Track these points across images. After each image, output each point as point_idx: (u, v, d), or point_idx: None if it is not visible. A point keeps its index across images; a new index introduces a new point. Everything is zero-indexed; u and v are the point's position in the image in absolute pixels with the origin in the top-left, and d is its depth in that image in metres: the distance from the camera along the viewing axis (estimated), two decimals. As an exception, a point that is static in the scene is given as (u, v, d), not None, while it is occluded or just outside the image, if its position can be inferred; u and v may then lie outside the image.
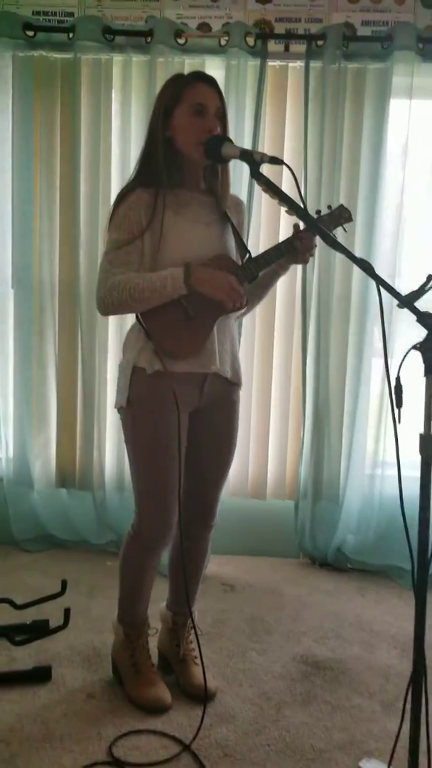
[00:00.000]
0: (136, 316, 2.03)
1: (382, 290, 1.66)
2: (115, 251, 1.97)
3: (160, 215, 1.97)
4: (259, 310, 3.21)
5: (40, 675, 2.31)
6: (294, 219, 1.91)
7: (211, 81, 2.02)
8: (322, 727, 2.11)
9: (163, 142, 2.00)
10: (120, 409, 2.10)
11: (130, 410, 2.06)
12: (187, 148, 2.00)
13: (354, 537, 3.27)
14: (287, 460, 3.34)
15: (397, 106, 3.08)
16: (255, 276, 2.06)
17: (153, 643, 2.33)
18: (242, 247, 2.10)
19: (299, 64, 3.10)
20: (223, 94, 2.06)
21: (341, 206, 2.15)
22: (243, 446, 3.31)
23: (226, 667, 2.42)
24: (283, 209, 1.84)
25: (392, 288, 1.64)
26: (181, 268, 1.92)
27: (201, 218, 2.05)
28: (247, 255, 2.07)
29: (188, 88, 2.00)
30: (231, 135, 3.00)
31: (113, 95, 3.14)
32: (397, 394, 1.60)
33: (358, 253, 3.12)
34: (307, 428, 3.24)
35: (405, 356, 1.58)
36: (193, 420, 2.12)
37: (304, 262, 2.12)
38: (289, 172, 1.84)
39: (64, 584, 2.63)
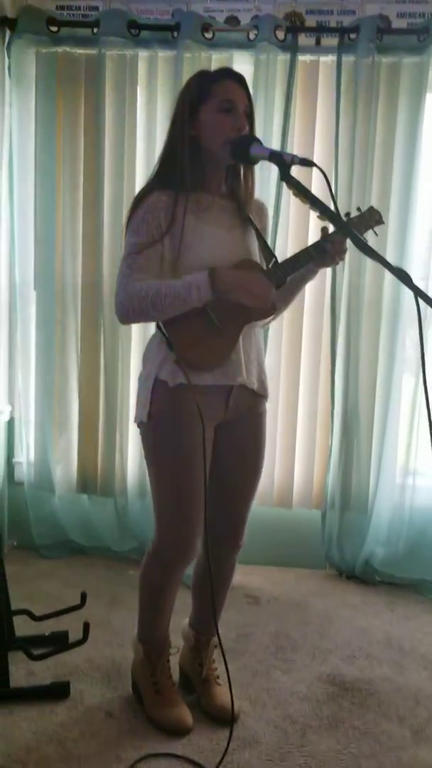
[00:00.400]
0: (157, 325, 1.94)
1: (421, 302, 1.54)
2: (134, 256, 1.88)
3: (180, 219, 1.87)
4: (286, 313, 3.11)
5: (58, 691, 2.25)
6: (323, 222, 1.81)
7: (240, 79, 1.92)
8: (349, 754, 2.02)
9: (187, 141, 1.90)
10: (140, 423, 2.01)
11: (151, 425, 1.97)
12: (213, 148, 1.89)
13: (383, 549, 3.16)
14: (314, 469, 3.24)
15: (433, 101, 2.96)
16: (283, 281, 1.95)
17: (174, 660, 2.25)
18: (267, 252, 2.00)
19: (331, 58, 2.99)
20: (251, 91, 1.96)
21: (371, 208, 2.04)
22: (269, 453, 3.18)
23: (249, 686, 2.34)
24: (314, 213, 1.74)
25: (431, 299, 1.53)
26: (205, 273, 1.82)
27: (222, 222, 1.95)
28: (274, 260, 1.97)
29: (216, 84, 1.89)
30: (259, 132, 2.92)
31: (138, 92, 3.05)
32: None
33: (390, 253, 3.03)
34: (335, 436, 3.14)
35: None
36: (218, 434, 2.03)
37: (335, 264, 2.02)
38: (319, 173, 1.74)
39: (83, 596, 2.57)
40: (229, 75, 1.92)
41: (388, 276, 3.04)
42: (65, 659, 2.40)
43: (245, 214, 2.01)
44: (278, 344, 3.15)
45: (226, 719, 2.08)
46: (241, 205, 2.00)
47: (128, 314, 1.88)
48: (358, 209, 2.02)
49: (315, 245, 1.96)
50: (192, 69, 2.92)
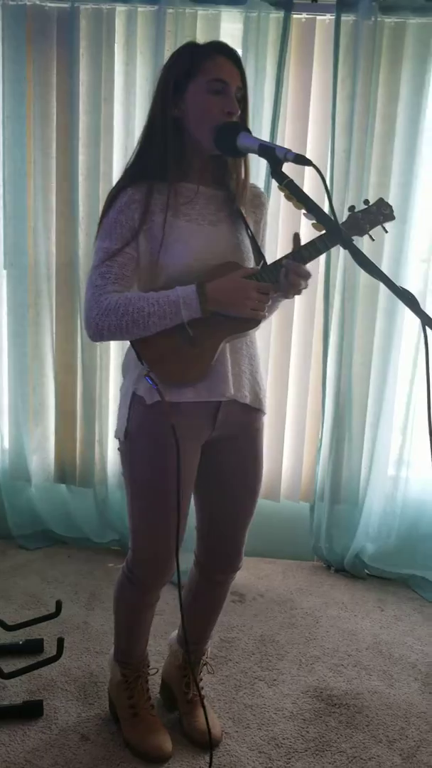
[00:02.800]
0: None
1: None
2: (107, 264, 1.65)
3: (159, 217, 1.65)
4: (276, 299, 2.92)
5: (31, 711, 2.13)
6: (319, 230, 1.59)
7: (235, 56, 1.67)
8: (337, 785, 1.93)
9: (171, 123, 1.65)
10: (119, 440, 1.84)
11: (128, 443, 1.80)
12: (197, 133, 1.66)
13: (373, 543, 3.04)
14: (303, 460, 3.08)
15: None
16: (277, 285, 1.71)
17: (153, 679, 2.14)
18: (257, 253, 1.77)
19: (329, 17, 2.70)
20: (240, 52, 1.71)
21: (381, 200, 1.78)
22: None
23: (233, 702, 2.23)
24: (309, 221, 1.53)
25: (440, 329, 1.34)
26: (192, 288, 1.61)
27: (206, 216, 1.72)
28: (262, 262, 1.75)
29: (207, 59, 1.64)
30: (250, 100, 2.68)
31: (116, 52, 2.76)
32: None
33: (390, 234, 2.77)
34: (326, 426, 2.98)
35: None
36: (210, 453, 1.85)
37: (295, 294, 1.72)
38: (314, 158, 1.50)
39: (58, 605, 2.45)
40: (222, 50, 1.66)
41: (386, 258, 2.84)
42: (39, 671, 2.28)
43: (235, 205, 1.77)
44: (267, 332, 2.95)
45: (206, 745, 1.98)
46: (231, 194, 1.77)
47: (102, 333, 1.65)
48: (366, 202, 1.75)
49: (307, 245, 1.69)
50: (175, 26, 2.66)
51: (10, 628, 2.39)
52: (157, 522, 1.82)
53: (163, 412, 1.68)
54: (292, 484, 3.11)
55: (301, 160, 1.51)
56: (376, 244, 2.80)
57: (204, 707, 1.91)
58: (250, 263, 1.76)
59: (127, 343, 1.78)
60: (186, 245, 1.68)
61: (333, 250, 2.76)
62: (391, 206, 1.78)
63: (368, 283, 2.84)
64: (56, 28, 2.78)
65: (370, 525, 3.03)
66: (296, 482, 3.10)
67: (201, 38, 2.66)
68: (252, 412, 1.86)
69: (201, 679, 2.13)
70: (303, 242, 1.70)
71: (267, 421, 3.00)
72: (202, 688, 2.12)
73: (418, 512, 3.00)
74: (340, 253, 2.81)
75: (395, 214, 2.76)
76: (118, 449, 1.87)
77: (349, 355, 2.90)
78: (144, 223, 1.66)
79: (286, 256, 1.69)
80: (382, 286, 2.84)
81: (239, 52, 2.65)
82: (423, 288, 2.86)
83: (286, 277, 1.66)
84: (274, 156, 1.54)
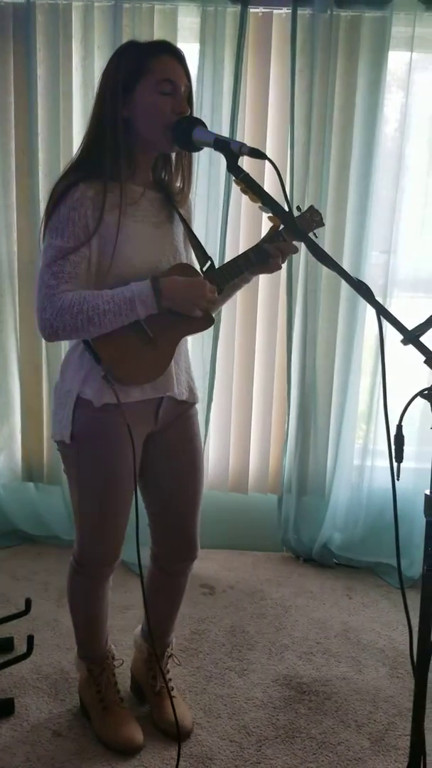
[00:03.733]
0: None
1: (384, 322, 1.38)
2: (60, 262, 1.63)
3: (112, 218, 1.65)
4: (240, 293, 2.92)
5: (1, 709, 2.13)
6: (276, 222, 1.62)
7: (180, 56, 1.68)
8: (306, 770, 1.96)
9: (121, 124, 1.65)
10: (60, 442, 1.83)
11: (74, 447, 1.80)
12: (148, 133, 1.67)
13: (341, 533, 3.08)
14: (270, 452, 3.11)
15: (396, 59, 2.73)
16: (221, 290, 1.76)
17: (123, 668, 2.18)
18: (201, 252, 1.79)
19: (285, 11, 2.72)
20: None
21: (312, 208, 1.83)
22: (223, 437, 3.09)
23: (203, 692, 2.25)
24: (264, 214, 1.55)
25: (395, 319, 1.37)
26: (147, 284, 1.63)
27: (150, 218, 1.74)
28: (209, 263, 1.78)
29: (153, 59, 1.64)
30: (207, 94, 2.70)
31: (73, 47, 2.74)
32: (397, 447, 1.36)
33: (350, 225, 2.85)
34: (291, 418, 3.01)
35: (408, 405, 1.33)
36: (149, 447, 1.89)
37: (276, 269, 1.82)
38: (274, 159, 1.54)
39: (28, 603, 2.44)
40: (167, 49, 1.66)
41: (348, 246, 2.87)
42: (10, 669, 2.27)
43: (180, 206, 1.81)
44: (232, 325, 2.97)
45: (177, 735, 2.00)
46: (170, 195, 1.79)
47: (57, 333, 1.64)
48: (298, 208, 1.79)
49: (255, 249, 1.77)
50: (132, 21, 2.66)
51: (-21, 627, 2.39)
52: (108, 519, 1.86)
53: (112, 415, 1.71)
54: (260, 476, 3.13)
55: (256, 154, 1.53)
56: (337, 236, 2.84)
57: (171, 698, 1.94)
58: (193, 264, 1.82)
59: (68, 342, 1.81)
60: (134, 246, 1.70)
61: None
62: (320, 213, 1.84)
63: (330, 274, 2.86)
64: (12, 24, 2.75)
65: (337, 515, 3.07)
66: (264, 475, 3.13)
67: (158, 32, 2.70)
68: (186, 404, 1.92)
69: (168, 671, 2.15)
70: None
71: (234, 414, 3.06)
72: (170, 680, 2.14)
73: (384, 501, 3.04)
74: (301, 248, 2.83)
75: (356, 208, 2.82)
76: (59, 450, 1.87)
77: (313, 346, 2.93)
78: (98, 222, 1.65)
79: (244, 254, 1.76)
80: (344, 282, 2.88)
81: (197, 47, 2.68)
82: (384, 279, 2.89)
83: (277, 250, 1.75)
84: (230, 150, 1.55)
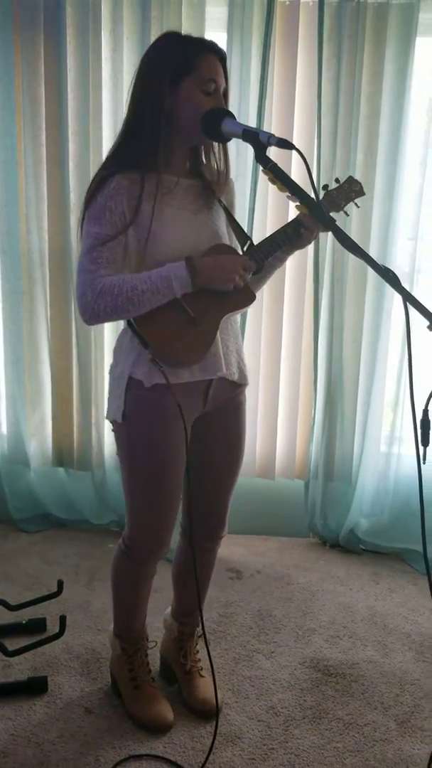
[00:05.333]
0: (128, 322, 1.77)
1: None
2: (99, 249, 1.69)
3: (147, 206, 1.70)
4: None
5: (35, 687, 2.19)
6: (303, 210, 1.64)
7: (224, 57, 1.73)
8: (333, 749, 1.99)
9: (165, 115, 1.68)
10: (114, 422, 1.88)
11: (126, 426, 1.85)
12: (189, 126, 1.70)
13: (367, 519, 3.11)
14: (297, 438, 3.14)
15: (424, 46, 2.72)
16: (261, 266, 1.80)
17: (154, 650, 2.22)
18: (241, 234, 1.84)
19: (312, -1, 2.73)
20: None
21: (351, 178, 1.84)
22: (250, 423, 3.07)
23: (232, 674, 2.30)
24: (291, 204, 1.57)
25: (422, 305, 1.39)
26: (182, 264, 1.67)
27: (187, 206, 1.78)
28: (249, 242, 1.81)
29: (200, 57, 1.68)
30: (235, 83, 2.72)
31: (103, 38, 2.77)
32: (423, 431, 1.39)
33: (376, 214, 2.86)
34: (318, 404, 3.03)
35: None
36: (197, 427, 1.92)
37: (307, 242, 1.84)
38: (301, 140, 1.57)
39: (60, 584, 2.50)
40: (214, 50, 1.71)
41: (375, 236, 2.88)
42: (43, 649, 2.34)
43: (211, 193, 1.84)
44: (259, 311, 3.00)
45: (208, 713, 2.07)
46: (206, 183, 1.83)
47: (99, 315, 1.70)
48: (337, 180, 1.82)
49: (292, 224, 1.79)
50: (160, 12, 2.69)
51: (13, 608, 2.45)
52: (158, 500, 1.89)
53: (162, 395, 1.75)
54: (287, 462, 3.16)
55: (284, 144, 1.55)
56: (364, 224, 2.85)
57: (201, 673, 1.98)
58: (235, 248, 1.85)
59: (120, 326, 1.85)
60: (173, 233, 1.74)
61: (323, 238, 2.82)
62: (360, 183, 1.85)
63: (357, 262, 2.87)
64: (43, 16, 2.78)
65: (363, 501, 3.09)
66: (290, 461, 3.16)
67: (186, 23, 2.72)
68: (237, 387, 1.95)
69: (197, 651, 2.19)
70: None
71: (261, 401, 3.10)
72: (199, 660, 2.18)
73: (410, 488, 3.05)
74: (329, 236, 2.85)
75: (382, 197, 2.83)
76: (113, 431, 1.92)
77: (340, 333, 2.95)
78: (134, 211, 1.70)
79: (282, 229, 1.79)
80: (371, 270, 2.89)
81: (224, 36, 2.70)
82: (410, 266, 2.90)
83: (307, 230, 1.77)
84: (258, 141, 1.58)
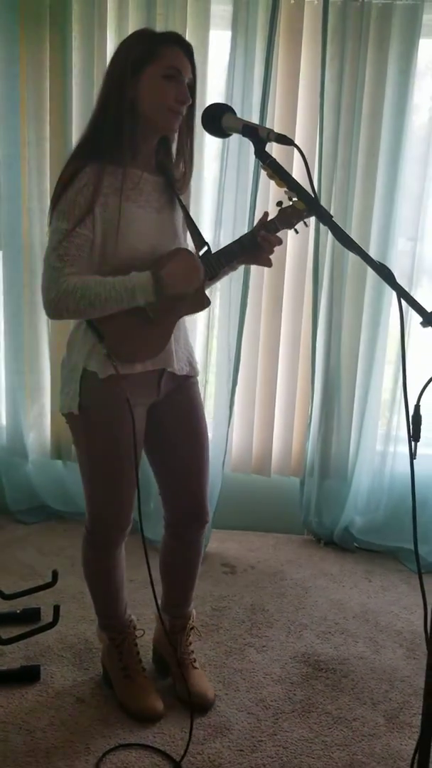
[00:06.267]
0: None
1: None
2: (65, 245, 1.70)
3: (114, 202, 1.73)
4: (266, 278, 2.98)
5: (28, 675, 2.22)
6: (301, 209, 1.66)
7: (189, 50, 1.76)
8: (321, 743, 2.01)
9: (128, 104, 1.71)
10: (69, 414, 1.92)
11: (82, 417, 1.89)
12: (153, 112, 1.73)
13: (362, 517, 3.12)
14: (293, 436, 3.16)
15: (427, 48, 2.74)
16: (216, 273, 1.87)
17: (145, 640, 2.24)
18: (198, 238, 1.88)
19: (317, -1, 2.74)
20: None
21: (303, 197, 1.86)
22: (247, 420, 3.14)
23: (223, 666, 2.31)
24: (289, 199, 1.59)
25: (416, 301, 1.41)
26: (148, 276, 1.71)
27: (152, 203, 1.82)
28: (206, 248, 1.86)
29: (163, 46, 1.72)
30: (239, 81, 2.73)
31: (108, 35, 2.79)
32: (415, 426, 1.41)
33: (377, 213, 2.87)
34: (315, 402, 3.05)
35: (427, 384, 1.37)
36: (154, 415, 1.98)
37: (266, 264, 1.91)
38: (303, 145, 1.59)
39: (55, 575, 2.51)
40: (178, 42, 1.75)
41: (375, 234, 2.89)
42: (36, 638, 2.36)
43: (172, 191, 1.88)
44: (258, 309, 3.01)
45: (201, 705, 2.09)
46: (170, 181, 1.87)
47: (61, 313, 1.74)
48: (289, 198, 1.82)
49: (249, 236, 1.85)
50: (165, 10, 2.70)
51: (7, 597, 2.46)
52: (119, 481, 1.94)
53: (116, 385, 1.79)
54: (283, 459, 3.18)
55: (283, 140, 1.57)
56: (364, 223, 2.87)
57: (194, 665, 2.00)
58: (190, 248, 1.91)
59: (73, 321, 1.90)
60: (138, 231, 1.78)
61: (322, 229, 2.84)
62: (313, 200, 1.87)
63: (356, 261, 2.89)
64: (48, 12, 2.80)
65: (358, 499, 3.11)
66: (286, 458, 3.18)
67: (191, 20, 2.74)
68: (187, 377, 2.01)
69: (190, 644, 2.20)
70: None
71: (258, 398, 3.11)
72: (192, 652, 2.20)
73: (405, 487, 3.05)
74: (329, 234, 2.85)
75: (383, 198, 2.84)
76: (67, 423, 1.97)
77: (338, 331, 2.96)
78: (101, 206, 1.72)
79: (239, 240, 1.86)
80: (370, 269, 2.91)
81: (229, 34, 2.72)
82: (410, 266, 2.92)
83: (265, 240, 1.83)
84: (257, 136, 1.60)
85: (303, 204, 1.57)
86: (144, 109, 1.73)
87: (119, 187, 1.73)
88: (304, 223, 1.86)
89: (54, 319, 1.80)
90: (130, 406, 1.78)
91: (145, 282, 1.71)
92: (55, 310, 1.74)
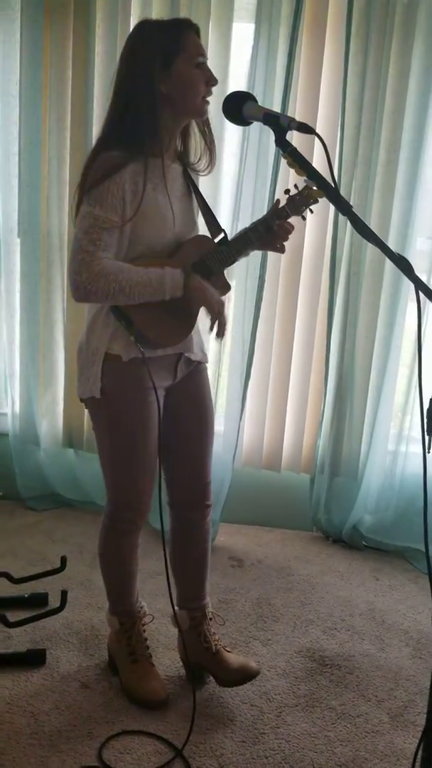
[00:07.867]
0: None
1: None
2: (98, 230, 1.74)
3: (146, 191, 1.77)
4: (283, 268, 2.97)
5: (34, 659, 2.23)
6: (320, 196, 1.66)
7: (198, 30, 1.83)
8: (324, 738, 2.00)
9: (158, 97, 1.74)
10: (90, 399, 1.94)
11: (104, 400, 1.91)
12: (188, 104, 1.78)
13: (371, 516, 3.11)
14: (305, 432, 3.15)
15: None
16: (234, 261, 1.92)
17: (150, 630, 2.25)
18: (215, 227, 1.93)
19: (342, -8, 2.73)
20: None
21: (310, 183, 1.83)
22: (259, 415, 3.13)
23: (228, 659, 2.31)
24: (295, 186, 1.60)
25: (433, 294, 1.40)
26: (179, 275, 1.78)
27: (174, 191, 1.86)
28: (222, 235, 1.91)
29: (185, 36, 1.77)
30: (261, 73, 2.73)
31: (132, 25, 2.78)
32: (430, 419, 1.40)
33: (397, 210, 2.86)
34: (328, 399, 3.04)
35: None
36: (168, 397, 2.02)
37: (280, 251, 1.96)
38: (324, 132, 1.60)
39: (63, 561, 2.54)
40: (192, 27, 1.80)
41: (393, 234, 2.88)
42: (43, 623, 2.38)
43: (189, 178, 1.93)
44: (273, 304, 3.01)
45: (249, 675, 2.09)
46: (186, 169, 1.94)
47: (89, 295, 1.76)
48: (296, 186, 1.88)
49: (263, 223, 1.89)
50: (189, 1, 2.69)
51: (16, 581, 2.48)
52: (141, 465, 1.97)
53: (139, 368, 1.84)
54: (294, 455, 3.17)
55: (304, 129, 1.57)
56: (383, 220, 2.85)
57: (227, 648, 2.09)
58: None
59: (91, 308, 1.93)
60: (163, 218, 1.83)
61: (340, 225, 2.83)
62: (317, 189, 1.88)
63: (374, 258, 2.88)
64: (73, 2, 2.81)
65: (368, 498, 3.09)
66: (297, 454, 3.17)
67: (215, 11, 2.74)
68: (199, 363, 2.08)
69: (215, 633, 2.18)
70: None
71: (270, 393, 3.11)
72: (219, 639, 2.17)
73: (416, 487, 3.05)
74: (347, 229, 2.85)
75: (403, 194, 2.83)
76: (87, 408, 1.99)
77: (353, 329, 2.95)
78: (132, 196, 1.76)
79: (253, 226, 1.90)
80: (387, 262, 2.90)
81: (252, 26, 2.73)
82: (428, 266, 2.90)
83: (280, 227, 1.89)
84: (279, 124, 1.59)
85: (322, 193, 1.57)
86: (178, 101, 1.77)
87: (151, 176, 1.77)
88: (310, 210, 1.90)
89: (80, 302, 1.81)
90: (155, 388, 1.83)
91: (176, 279, 1.78)
92: (83, 292, 1.75)
